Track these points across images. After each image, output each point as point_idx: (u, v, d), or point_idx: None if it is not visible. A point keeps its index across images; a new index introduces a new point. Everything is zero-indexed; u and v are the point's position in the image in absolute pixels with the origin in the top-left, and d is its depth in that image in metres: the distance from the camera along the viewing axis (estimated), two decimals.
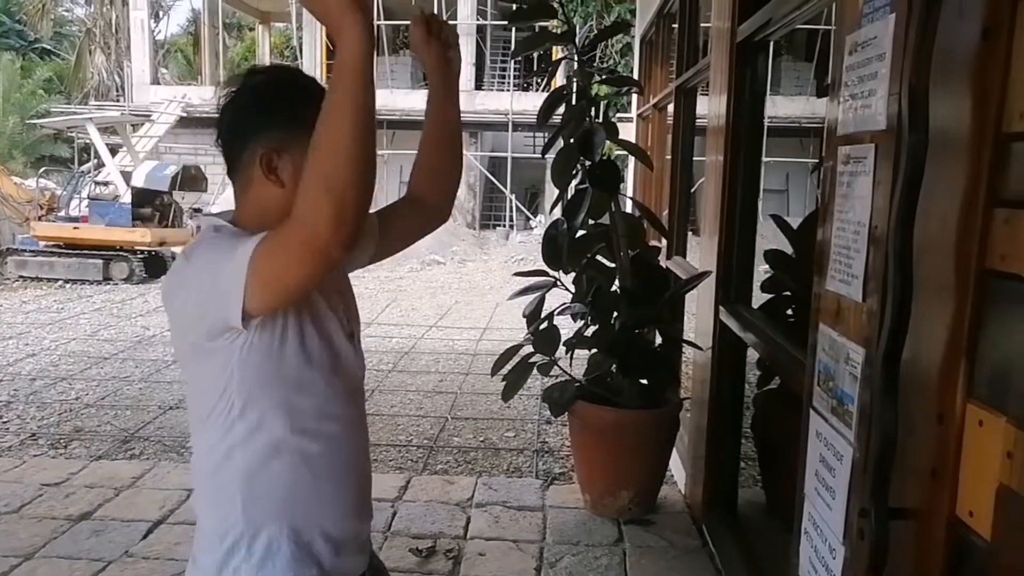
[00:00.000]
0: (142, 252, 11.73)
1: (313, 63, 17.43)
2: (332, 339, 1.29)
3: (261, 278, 1.11)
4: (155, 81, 19.07)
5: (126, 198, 11.63)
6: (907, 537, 1.10)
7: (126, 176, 12.06)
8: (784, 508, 1.87)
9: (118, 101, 19.41)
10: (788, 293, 3.26)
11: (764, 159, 3.16)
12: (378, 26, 17.74)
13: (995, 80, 0.93)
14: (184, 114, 16.94)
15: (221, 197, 12.69)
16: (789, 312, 3.24)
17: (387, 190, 17.85)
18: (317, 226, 1.06)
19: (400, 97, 17.36)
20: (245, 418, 1.22)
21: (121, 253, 11.52)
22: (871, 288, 1.25)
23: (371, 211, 1.41)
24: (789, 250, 3.29)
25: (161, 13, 24.05)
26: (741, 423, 3.23)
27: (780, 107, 14.25)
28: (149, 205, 11.82)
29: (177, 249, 11.54)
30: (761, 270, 3.31)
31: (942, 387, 1.04)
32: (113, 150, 13.43)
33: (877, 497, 1.08)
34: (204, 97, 17.55)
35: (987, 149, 0.95)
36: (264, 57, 22.03)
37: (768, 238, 3.49)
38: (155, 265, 11.80)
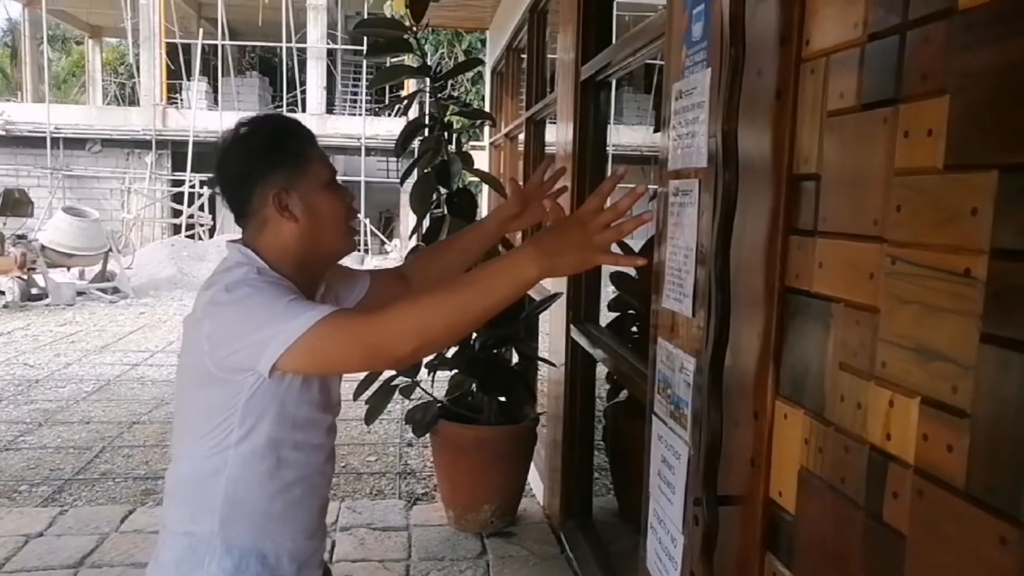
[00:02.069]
0: None
1: (152, 81, 16.58)
2: (327, 380, 1.37)
3: (313, 349, 1.19)
4: None
5: None
6: (733, 519, 1.23)
7: None
8: (634, 511, 2.01)
9: None
10: (632, 311, 3.49)
11: None
12: (223, 46, 17.17)
13: (786, 131, 1.11)
14: (3, 132, 15.63)
15: (48, 222, 11.78)
16: (633, 329, 3.48)
17: None
18: (393, 349, 1.18)
19: None
20: (240, 447, 1.27)
21: None
22: (699, 304, 1.37)
23: (367, 268, 1.53)
24: (632, 272, 3.53)
25: None
26: (593, 435, 3.41)
27: (623, 136, 14.99)
28: None
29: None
30: (608, 291, 3.53)
31: (757, 388, 1.18)
32: None
33: (708, 487, 1.19)
34: (27, 114, 16.27)
35: (783, 186, 1.11)
36: (95, 73, 20.66)
37: None
38: None
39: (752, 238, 1.20)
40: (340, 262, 1.52)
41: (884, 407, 0.89)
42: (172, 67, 17.48)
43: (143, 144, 16.35)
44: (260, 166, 1.33)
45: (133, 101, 18.92)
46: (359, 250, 17.09)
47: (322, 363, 1.25)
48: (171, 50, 17.30)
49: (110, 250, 11.55)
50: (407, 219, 16.79)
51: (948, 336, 0.79)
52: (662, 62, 1.75)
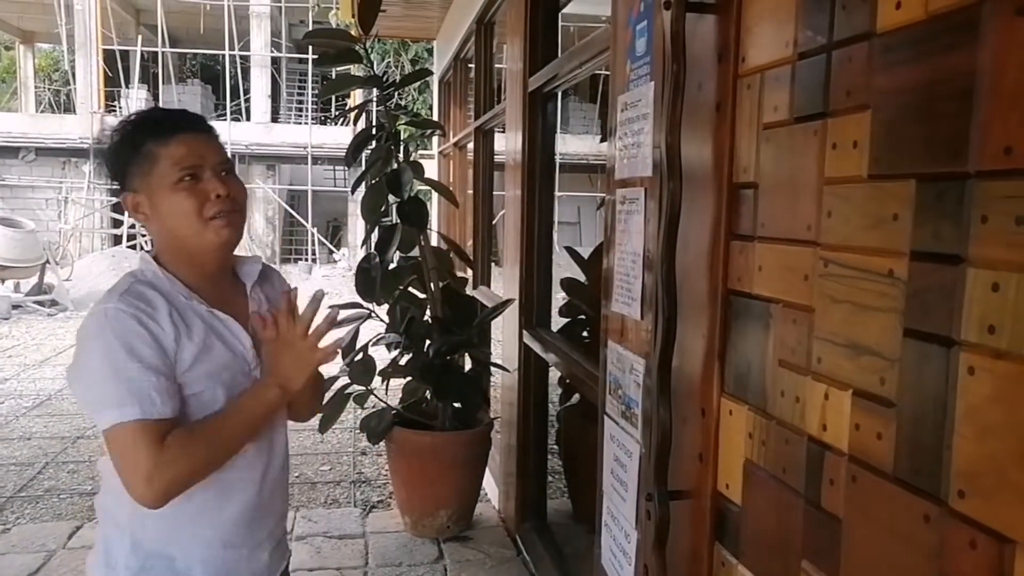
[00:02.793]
0: None
1: (89, 89, 16.14)
2: (235, 388, 1.34)
3: (112, 447, 1.23)
4: None
5: None
6: (683, 513, 1.29)
7: None
8: (588, 512, 2.04)
9: None
10: (583, 316, 3.56)
11: (557, 194, 3.46)
12: (163, 53, 16.82)
13: (726, 142, 1.17)
14: None
15: None
16: (584, 333, 3.53)
17: None
18: (167, 488, 1.21)
19: None
20: None
21: None
22: (647, 308, 1.42)
23: None
24: (582, 278, 3.60)
25: None
26: (547, 438, 3.45)
27: (570, 145, 15.05)
28: None
29: None
30: (558, 297, 3.59)
31: (703, 386, 1.24)
32: None
33: (659, 483, 1.23)
34: None
35: (724, 194, 1.18)
36: (28, 79, 20.02)
37: (563, 267, 3.79)
38: None
39: (696, 243, 1.26)
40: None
41: (820, 400, 0.95)
42: (110, 74, 17.03)
43: (80, 153, 15.89)
44: (118, 168, 1.33)
45: (69, 108, 18.38)
46: (307, 259, 16.94)
47: (115, 463, 1.24)
48: (108, 57, 16.85)
49: (47, 262, 11.21)
50: (356, 228, 16.65)
51: (875, 332, 0.85)
52: (608, 72, 1.80)
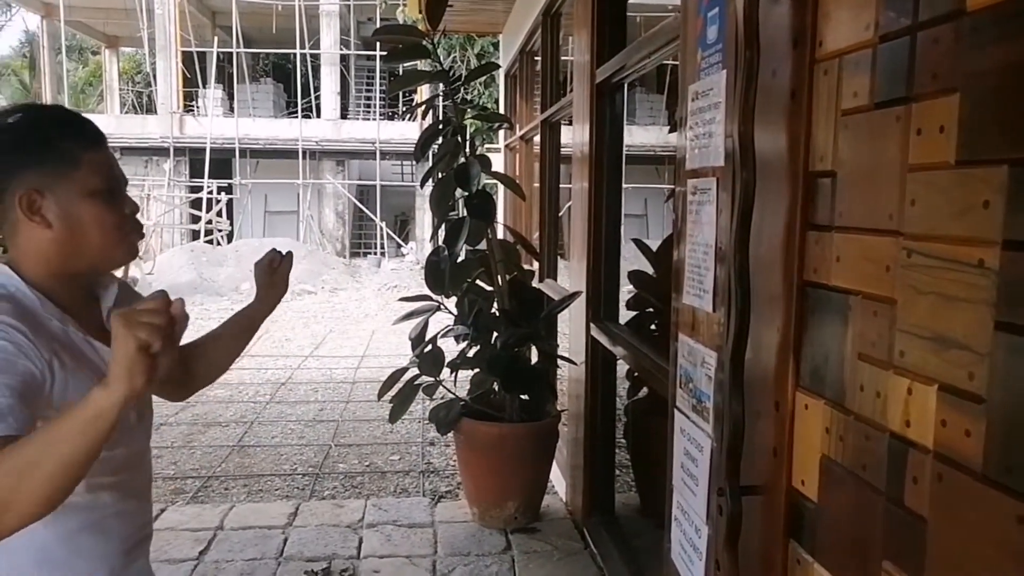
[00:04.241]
0: None
1: (169, 90, 16.77)
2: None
3: None
4: None
5: None
6: (756, 508, 1.26)
7: None
8: (656, 507, 2.02)
9: None
10: (651, 309, 3.52)
11: (624, 186, 3.43)
12: (238, 53, 17.34)
13: (802, 129, 1.14)
14: None
15: None
16: (653, 326, 3.50)
17: (252, 219, 17.38)
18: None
19: (262, 125, 17.00)
20: None
21: None
22: (719, 300, 1.40)
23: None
24: (650, 270, 3.57)
25: None
26: (614, 432, 3.44)
27: (636, 136, 14.94)
28: None
29: None
30: (625, 290, 3.56)
31: (777, 380, 1.21)
32: None
33: (731, 477, 1.21)
34: None
35: (800, 184, 1.15)
36: (113, 82, 20.93)
37: (630, 260, 3.76)
38: None
39: (770, 234, 1.23)
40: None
41: (903, 395, 0.92)
42: (188, 75, 17.67)
43: (161, 151, 16.54)
44: (13, 161, 1.15)
45: (150, 109, 19.15)
46: (376, 253, 17.24)
47: None
48: (187, 58, 17.50)
49: None
50: (423, 221, 16.86)
51: (963, 324, 0.82)
52: (675, 62, 1.77)
